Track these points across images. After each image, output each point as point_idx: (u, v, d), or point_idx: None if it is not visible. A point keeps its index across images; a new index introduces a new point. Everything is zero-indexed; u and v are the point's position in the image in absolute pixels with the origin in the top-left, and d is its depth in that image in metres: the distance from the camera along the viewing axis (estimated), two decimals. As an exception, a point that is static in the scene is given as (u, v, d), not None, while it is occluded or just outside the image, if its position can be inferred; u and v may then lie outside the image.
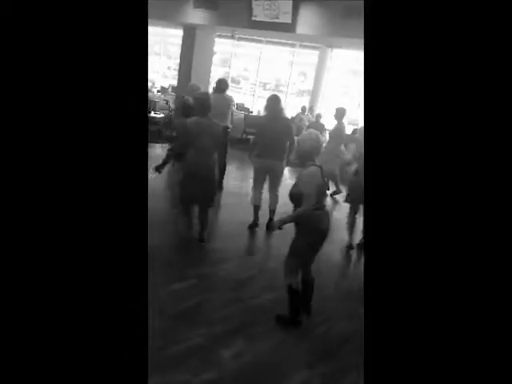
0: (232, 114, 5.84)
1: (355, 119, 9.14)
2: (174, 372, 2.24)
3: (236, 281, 3.35)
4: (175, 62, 12.54)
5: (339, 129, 6.05)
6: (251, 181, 4.64)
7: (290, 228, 2.85)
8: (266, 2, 6.94)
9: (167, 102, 10.22)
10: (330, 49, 10.20)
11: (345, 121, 6.20)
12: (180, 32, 9.57)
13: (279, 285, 3.30)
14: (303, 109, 9.53)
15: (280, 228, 2.71)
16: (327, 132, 7.59)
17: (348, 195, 4.34)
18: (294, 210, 2.70)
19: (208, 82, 9.49)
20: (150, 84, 12.30)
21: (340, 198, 5.95)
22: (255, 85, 12.44)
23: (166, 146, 4.40)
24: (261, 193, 4.46)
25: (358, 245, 4.26)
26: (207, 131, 3.56)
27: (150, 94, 10.61)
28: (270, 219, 4.39)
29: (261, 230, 4.47)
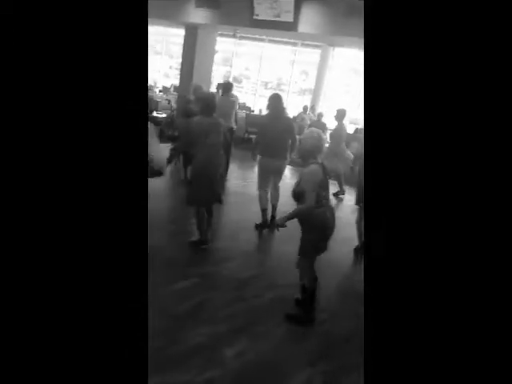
0: (236, 115, 5.88)
1: (357, 118, 9.14)
2: (177, 371, 2.26)
3: (239, 280, 3.35)
4: (177, 61, 12.54)
5: (339, 129, 6.11)
6: (254, 181, 4.65)
7: (293, 226, 2.86)
8: (268, 1, 6.94)
9: (169, 101, 10.23)
10: (331, 47, 10.20)
11: (345, 121, 6.24)
12: (182, 31, 9.57)
13: (282, 283, 3.32)
14: (305, 108, 9.53)
15: (283, 226, 2.74)
16: (329, 131, 7.60)
17: (357, 196, 4.29)
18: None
19: (210, 81, 9.51)
20: (152, 83, 12.32)
21: (348, 201, 5.96)
22: (257, 84, 12.45)
23: (169, 146, 4.41)
24: (267, 193, 4.48)
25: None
26: (214, 130, 3.59)
27: (151, 93, 10.62)
28: (273, 217, 4.43)
29: (264, 229, 4.49)
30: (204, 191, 3.63)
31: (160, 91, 11.82)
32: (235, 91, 6.36)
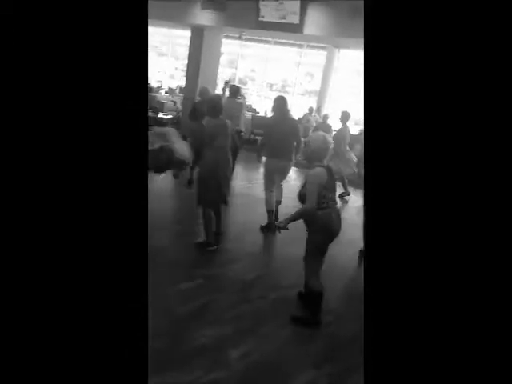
0: (243, 118, 5.91)
1: (362, 119, 9.12)
2: (182, 372, 2.26)
3: (244, 281, 3.36)
4: (183, 63, 12.59)
5: (343, 131, 6.14)
6: (259, 182, 4.67)
7: (297, 228, 2.86)
8: (274, 3, 6.95)
9: (175, 103, 10.27)
10: (337, 49, 10.19)
11: (349, 123, 6.27)
12: (187, 33, 9.61)
13: (287, 285, 3.32)
14: (310, 109, 9.53)
15: (285, 228, 2.77)
16: (333, 133, 7.62)
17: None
18: None
19: (215, 83, 9.53)
20: (157, 85, 12.37)
21: (354, 202, 5.95)
22: (262, 85, 12.46)
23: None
24: (273, 195, 4.50)
25: None
26: (221, 132, 3.62)
27: (157, 95, 10.66)
28: (276, 217, 4.46)
29: (270, 231, 4.49)
30: (211, 193, 3.66)
31: (166, 92, 11.87)
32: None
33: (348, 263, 4.05)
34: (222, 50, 10.10)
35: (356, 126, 8.33)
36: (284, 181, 4.69)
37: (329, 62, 10.33)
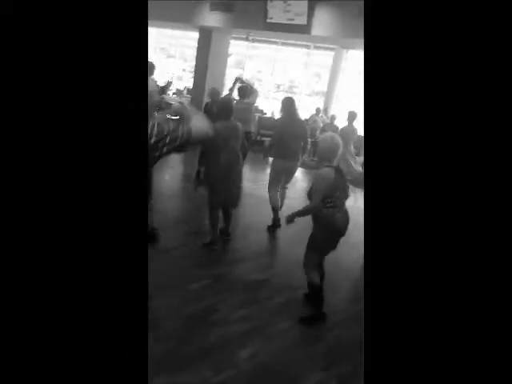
0: (255, 119, 5.91)
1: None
2: (190, 373, 2.28)
3: (251, 281, 3.37)
4: (190, 64, 12.64)
5: (347, 130, 6.12)
6: (265, 183, 4.69)
7: (305, 227, 2.86)
8: (282, 4, 6.96)
9: (182, 104, 10.29)
10: (344, 50, 10.17)
11: (355, 123, 6.24)
12: (195, 35, 9.66)
13: (295, 285, 3.32)
14: (317, 110, 9.52)
15: (292, 221, 2.91)
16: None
17: None
18: None
19: (223, 84, 9.55)
20: (165, 86, 12.41)
21: (360, 203, 5.92)
22: (269, 86, 12.47)
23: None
24: (277, 192, 4.56)
25: None
26: (232, 134, 3.66)
27: (165, 96, 10.70)
28: (277, 218, 4.52)
29: (277, 230, 4.51)
30: (222, 194, 3.70)
31: (174, 93, 11.93)
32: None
33: (354, 264, 4.04)
34: (230, 51, 10.13)
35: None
36: (290, 182, 4.70)
37: (336, 62, 10.31)
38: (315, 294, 2.93)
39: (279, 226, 4.50)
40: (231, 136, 3.64)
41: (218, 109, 3.74)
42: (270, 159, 4.70)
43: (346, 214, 2.86)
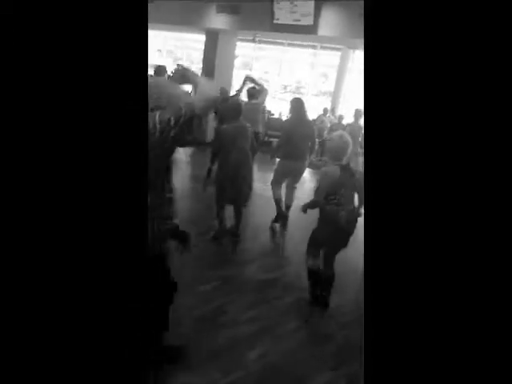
0: (264, 120, 5.92)
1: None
2: (199, 374, 2.29)
3: (260, 282, 3.38)
4: (197, 66, 12.68)
5: (355, 128, 6.11)
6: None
7: (314, 226, 2.86)
8: (288, 5, 6.96)
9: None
10: (351, 50, 10.14)
11: (361, 121, 6.25)
12: (202, 37, 9.70)
13: (303, 285, 3.32)
14: (325, 110, 9.50)
15: (304, 212, 2.98)
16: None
17: None
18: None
19: (230, 86, 9.57)
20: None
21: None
22: (276, 87, 12.46)
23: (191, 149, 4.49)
24: (280, 186, 4.62)
25: None
26: (242, 134, 3.72)
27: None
28: (286, 217, 4.57)
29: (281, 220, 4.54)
30: (230, 192, 3.76)
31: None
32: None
33: (360, 265, 4.02)
34: (237, 52, 10.15)
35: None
36: (298, 182, 4.72)
37: (343, 62, 10.29)
38: (314, 279, 3.04)
39: (285, 218, 4.53)
40: (240, 136, 3.68)
41: (228, 109, 3.77)
42: (277, 160, 4.71)
43: (353, 212, 2.85)
